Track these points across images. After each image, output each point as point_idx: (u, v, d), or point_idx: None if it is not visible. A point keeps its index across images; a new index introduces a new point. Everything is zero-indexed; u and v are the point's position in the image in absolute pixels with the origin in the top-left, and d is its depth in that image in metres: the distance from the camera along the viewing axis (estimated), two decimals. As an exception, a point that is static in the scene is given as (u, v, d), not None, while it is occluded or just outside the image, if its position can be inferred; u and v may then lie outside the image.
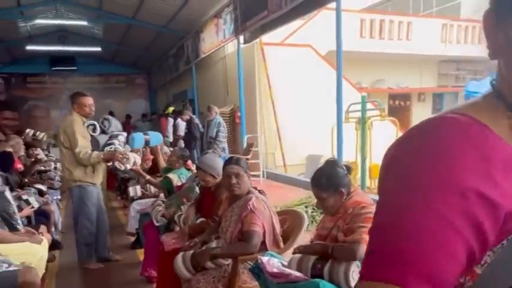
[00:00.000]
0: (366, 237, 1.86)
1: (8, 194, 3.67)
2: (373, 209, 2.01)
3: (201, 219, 3.25)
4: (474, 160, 0.53)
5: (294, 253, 2.21)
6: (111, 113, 10.66)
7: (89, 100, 4.09)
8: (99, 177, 4.26)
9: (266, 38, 9.43)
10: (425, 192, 0.54)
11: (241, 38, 8.87)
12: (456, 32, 13.94)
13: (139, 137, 4.59)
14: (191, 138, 8.71)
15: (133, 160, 4.19)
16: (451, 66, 14.96)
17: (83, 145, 4.03)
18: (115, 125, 4.15)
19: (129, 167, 4.17)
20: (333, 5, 6.31)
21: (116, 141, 4.17)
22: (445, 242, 0.52)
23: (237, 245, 2.53)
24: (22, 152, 5.92)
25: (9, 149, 4.64)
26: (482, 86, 6.34)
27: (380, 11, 14.25)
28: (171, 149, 6.79)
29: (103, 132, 4.06)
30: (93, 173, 4.13)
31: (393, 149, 0.61)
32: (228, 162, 2.77)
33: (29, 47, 13.57)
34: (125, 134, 4.34)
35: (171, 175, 4.28)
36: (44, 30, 13.48)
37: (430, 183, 0.54)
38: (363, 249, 1.84)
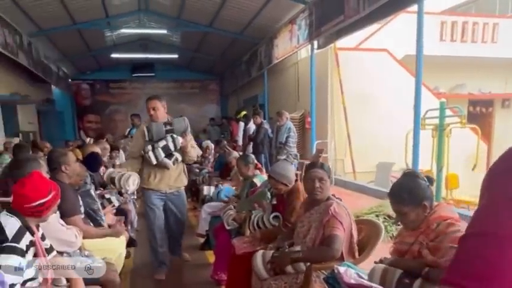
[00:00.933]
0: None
1: (93, 192, 3.94)
2: (461, 226, 1.87)
3: (276, 213, 3.26)
4: None
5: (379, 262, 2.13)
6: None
7: (148, 104, 3.97)
8: (160, 184, 4.06)
9: (340, 42, 9.29)
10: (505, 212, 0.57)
11: (315, 43, 8.82)
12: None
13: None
14: (258, 143, 8.78)
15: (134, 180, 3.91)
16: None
17: (131, 150, 4.20)
18: (157, 131, 3.89)
19: (132, 188, 3.90)
20: (413, 7, 6.07)
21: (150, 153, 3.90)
22: None
23: (318, 249, 2.50)
24: (106, 158, 6.38)
25: (97, 150, 4.97)
26: None
27: (462, 13, 13.44)
28: (241, 153, 6.92)
29: (150, 139, 3.90)
30: (147, 179, 4.04)
31: (491, 166, 0.64)
32: (312, 166, 2.75)
33: (114, 55, 14.52)
34: (163, 142, 3.92)
35: (256, 179, 4.34)
36: (127, 39, 14.38)
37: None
38: None
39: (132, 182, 3.85)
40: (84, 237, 3.08)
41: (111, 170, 4.08)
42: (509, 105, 13.56)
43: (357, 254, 2.56)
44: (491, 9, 14.32)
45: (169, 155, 3.94)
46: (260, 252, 2.70)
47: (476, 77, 12.64)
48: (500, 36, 12.24)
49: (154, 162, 3.89)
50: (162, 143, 3.88)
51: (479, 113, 13.24)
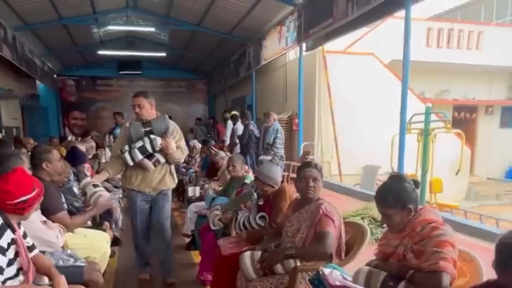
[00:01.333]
0: (445, 264, 1.76)
1: (76, 189, 3.87)
2: (445, 229, 1.90)
3: (262, 213, 3.26)
4: None
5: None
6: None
7: (133, 101, 3.76)
8: (142, 185, 3.86)
9: (328, 45, 9.36)
10: None
11: (304, 45, 8.86)
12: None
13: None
14: (244, 144, 8.80)
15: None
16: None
17: (114, 148, 4.09)
18: (134, 132, 3.72)
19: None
20: (400, 13, 6.14)
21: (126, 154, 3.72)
22: None
23: (310, 245, 2.52)
24: (91, 155, 6.31)
25: (82, 148, 4.91)
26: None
27: (449, 20, 13.64)
28: (228, 153, 6.90)
29: (130, 139, 3.75)
30: (130, 180, 3.87)
31: None
32: (307, 165, 2.78)
33: (100, 52, 14.36)
34: (140, 143, 3.71)
35: (247, 180, 4.35)
36: (114, 35, 14.24)
37: None
38: (447, 279, 1.76)
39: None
40: (73, 229, 3.09)
41: (87, 180, 3.91)
42: (492, 112, 13.82)
43: (343, 254, 2.59)
44: (477, 16, 14.56)
45: (149, 156, 3.76)
46: (248, 252, 2.70)
47: (461, 83, 12.87)
48: (484, 44, 12.48)
49: (130, 163, 3.71)
50: (138, 144, 3.68)
51: (464, 119, 13.47)
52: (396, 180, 2.11)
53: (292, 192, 3.19)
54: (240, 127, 9.53)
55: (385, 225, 2.19)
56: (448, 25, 12.42)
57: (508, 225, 6.19)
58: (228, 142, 10.12)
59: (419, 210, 2.04)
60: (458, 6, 16.22)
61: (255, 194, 3.55)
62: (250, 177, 4.38)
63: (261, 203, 3.39)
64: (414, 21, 9.31)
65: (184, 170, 7.74)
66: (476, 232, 4.84)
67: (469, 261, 2.03)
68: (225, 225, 3.70)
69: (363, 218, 5.16)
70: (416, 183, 2.10)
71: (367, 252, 2.40)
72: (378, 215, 4.71)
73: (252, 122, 9.27)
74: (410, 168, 7.27)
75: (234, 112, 10.46)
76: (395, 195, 2.04)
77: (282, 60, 11.24)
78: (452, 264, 1.78)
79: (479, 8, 15.65)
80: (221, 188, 5.16)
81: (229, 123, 10.19)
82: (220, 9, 10.30)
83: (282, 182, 3.39)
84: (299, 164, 3.11)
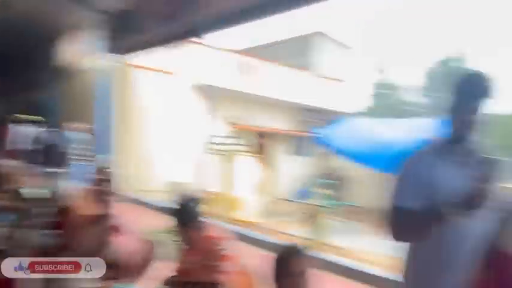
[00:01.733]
0: (222, 277, 1.95)
1: None
2: (226, 245, 2.13)
3: (50, 230, 3.03)
4: None
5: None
6: None
7: None
8: None
9: (136, 60, 9.30)
10: None
11: (109, 55, 8.64)
12: (312, 83, 15.84)
13: None
14: (37, 152, 7.97)
15: None
16: (305, 113, 16.67)
17: None
18: None
19: None
20: (209, 42, 6.60)
21: None
22: None
23: (94, 252, 2.46)
24: None
25: None
26: (327, 132, 7.31)
27: (249, 54, 15.18)
28: (15, 162, 6.14)
29: None
30: None
31: None
32: (103, 180, 2.80)
33: None
34: None
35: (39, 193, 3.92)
36: None
37: None
38: None
39: None
40: None
41: None
42: (281, 140, 15.92)
43: (135, 273, 2.60)
44: (270, 56, 16.60)
45: None
46: (35, 275, 2.48)
47: (261, 112, 14.50)
48: (277, 80, 14.39)
49: None
50: None
51: (265, 145, 15.13)
52: (187, 200, 2.31)
53: (86, 206, 3.07)
54: (30, 132, 8.59)
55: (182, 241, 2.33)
56: (249, 59, 13.88)
57: (294, 238, 7.05)
58: (13, 148, 8.96)
59: (206, 227, 2.25)
60: (261, 46, 18.71)
61: (45, 209, 3.27)
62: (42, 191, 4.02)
63: (51, 219, 3.14)
64: (222, 51, 10.13)
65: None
66: (270, 246, 5.52)
67: (246, 273, 2.31)
68: (10, 244, 3.27)
69: (162, 235, 5.23)
70: (203, 202, 2.33)
71: (168, 268, 2.48)
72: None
73: (47, 128, 8.49)
74: (214, 186, 7.75)
75: (22, 115, 9.39)
76: (186, 214, 2.22)
77: (86, 66, 10.62)
78: (230, 277, 2.02)
79: (274, 49, 18.24)
80: (6, 201, 4.55)
81: (17, 127, 9.09)
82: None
83: (74, 196, 3.23)
84: (96, 178, 3.05)
